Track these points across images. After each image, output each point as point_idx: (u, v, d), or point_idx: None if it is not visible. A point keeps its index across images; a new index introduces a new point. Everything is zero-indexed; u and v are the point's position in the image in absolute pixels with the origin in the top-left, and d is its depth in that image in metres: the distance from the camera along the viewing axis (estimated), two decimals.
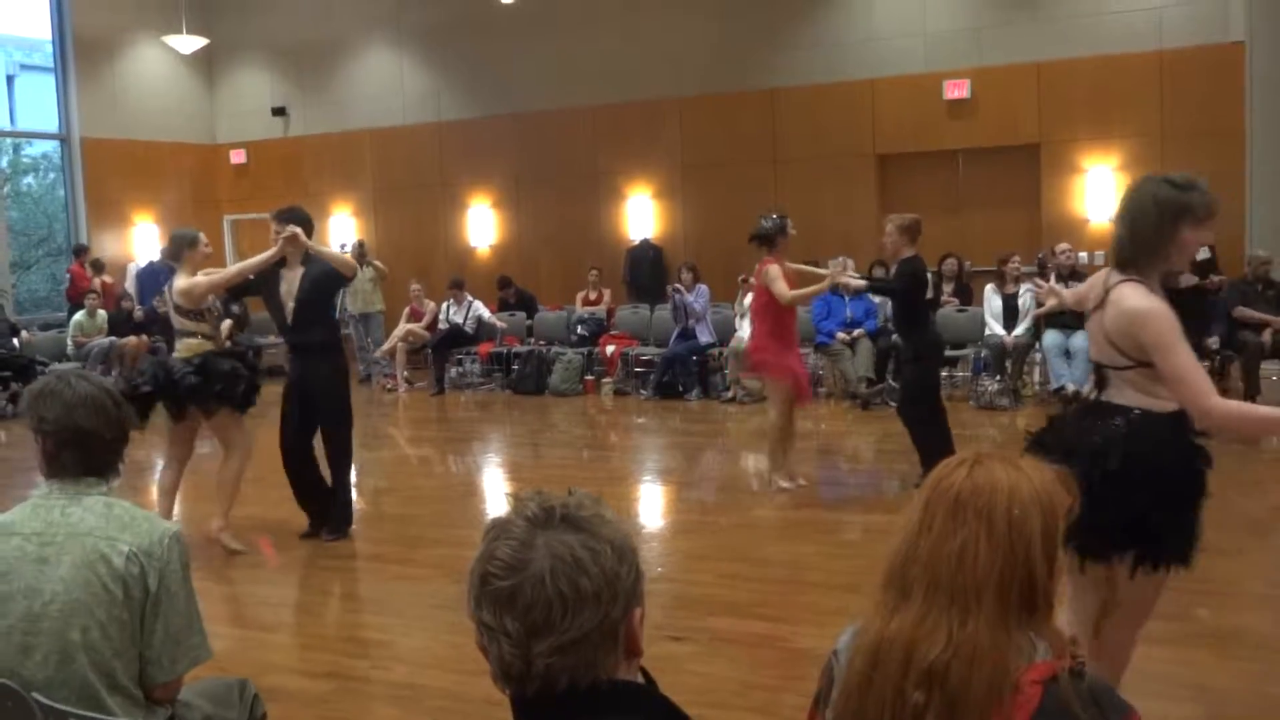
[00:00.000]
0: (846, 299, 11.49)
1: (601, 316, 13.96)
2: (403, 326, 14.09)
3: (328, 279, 6.72)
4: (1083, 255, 11.77)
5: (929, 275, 8.61)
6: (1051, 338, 10.63)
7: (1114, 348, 3.25)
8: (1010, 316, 11.16)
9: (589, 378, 13.02)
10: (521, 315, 14.36)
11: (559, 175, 15.40)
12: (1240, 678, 4.39)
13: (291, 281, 6.66)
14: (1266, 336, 9.93)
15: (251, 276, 6.79)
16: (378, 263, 14.36)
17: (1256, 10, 11.69)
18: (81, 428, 2.59)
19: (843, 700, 1.78)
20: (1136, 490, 3.11)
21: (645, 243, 14.85)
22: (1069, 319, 10.85)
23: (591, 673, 1.49)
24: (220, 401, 6.49)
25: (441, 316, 14.06)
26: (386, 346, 14.13)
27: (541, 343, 13.78)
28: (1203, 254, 8.99)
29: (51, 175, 19.46)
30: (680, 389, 12.20)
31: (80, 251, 15.71)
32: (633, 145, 14.91)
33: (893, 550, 1.80)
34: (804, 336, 9.59)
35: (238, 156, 17.76)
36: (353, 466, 7.21)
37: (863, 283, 8.04)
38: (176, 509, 6.80)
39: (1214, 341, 10.04)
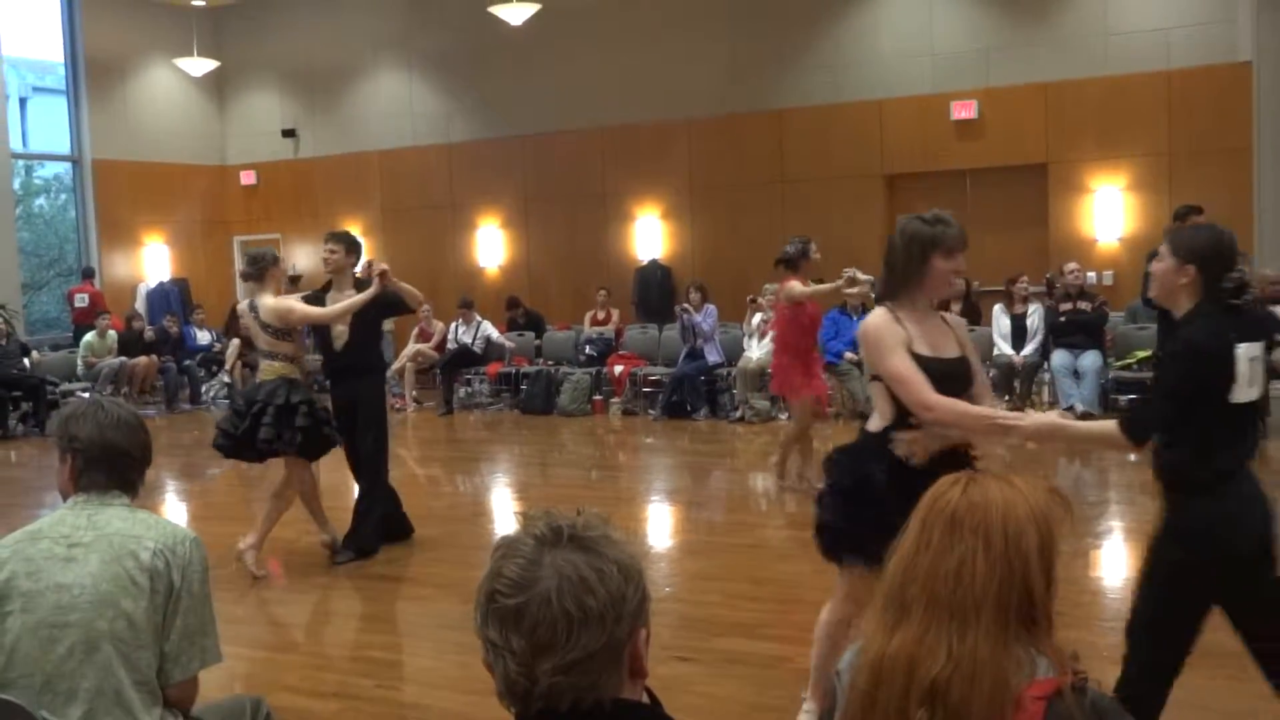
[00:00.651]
0: (854, 318, 11.49)
1: (610, 336, 13.98)
2: (411, 346, 14.12)
3: (385, 305, 6.73)
4: (1091, 275, 11.77)
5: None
6: (1060, 358, 10.62)
7: (867, 364, 3.78)
8: (1019, 336, 11.15)
9: (597, 398, 13.02)
10: (530, 335, 14.38)
11: (568, 196, 15.45)
12: (1247, 698, 4.36)
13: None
14: (1275, 356, 9.89)
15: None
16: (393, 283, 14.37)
17: (1264, 31, 11.70)
18: (113, 445, 2.72)
19: None
20: (850, 497, 3.64)
21: (654, 263, 14.88)
22: (1078, 339, 10.87)
23: (595, 692, 1.50)
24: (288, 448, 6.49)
25: (450, 336, 14.09)
26: (395, 366, 14.15)
27: (550, 363, 13.79)
28: None
29: (63, 197, 19.59)
30: (688, 409, 12.20)
31: (89, 274, 15.80)
32: (641, 166, 14.95)
33: (891, 569, 1.80)
34: None
35: (248, 178, 17.85)
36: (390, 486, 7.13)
37: (868, 280, 8.17)
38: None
39: None
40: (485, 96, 15.92)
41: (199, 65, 16.45)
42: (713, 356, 12.38)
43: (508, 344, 14.03)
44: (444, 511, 8.48)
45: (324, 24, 16.89)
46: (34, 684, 2.55)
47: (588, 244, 15.32)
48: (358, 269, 6.82)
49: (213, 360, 15.26)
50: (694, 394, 12.28)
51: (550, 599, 1.48)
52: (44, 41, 17.05)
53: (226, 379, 14.70)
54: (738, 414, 11.84)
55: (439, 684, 4.79)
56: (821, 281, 8.74)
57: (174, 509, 8.98)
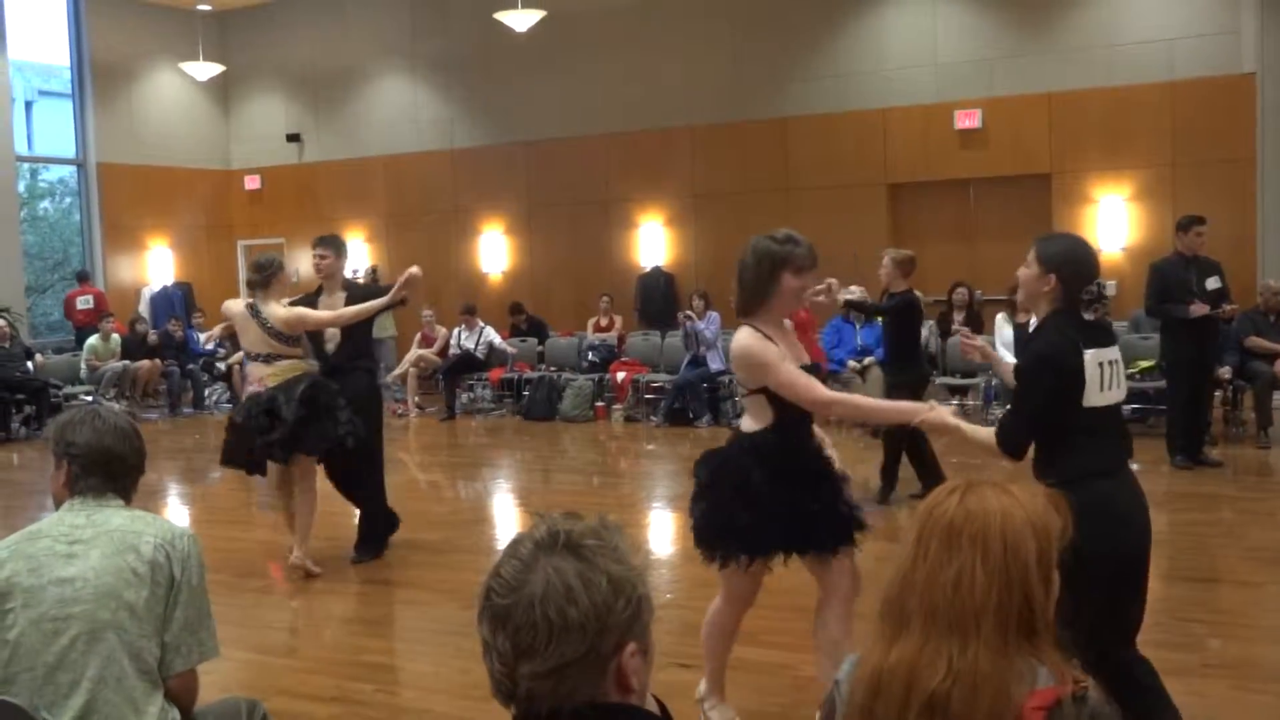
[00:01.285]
0: (858, 327, 11.51)
1: (612, 343, 13.98)
2: (414, 352, 14.12)
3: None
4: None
5: (922, 309, 8.73)
6: None
7: (739, 379, 4.00)
8: (1022, 345, 11.12)
9: (600, 404, 13.02)
10: (533, 341, 14.38)
11: (571, 202, 15.46)
12: (1254, 710, 4.35)
13: (334, 307, 6.69)
14: (1279, 367, 9.89)
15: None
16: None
17: (1268, 42, 11.71)
18: (110, 450, 2.76)
19: None
20: (729, 494, 3.85)
21: (657, 270, 14.89)
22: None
23: (573, 700, 1.49)
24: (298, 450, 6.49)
25: (453, 342, 14.09)
26: (398, 371, 14.16)
27: (552, 369, 13.79)
28: (1214, 284, 8.96)
29: (68, 200, 19.61)
30: (691, 416, 12.20)
31: (84, 277, 15.80)
32: (645, 173, 14.96)
33: (888, 581, 1.80)
34: None
35: (252, 182, 17.88)
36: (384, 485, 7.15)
37: (851, 293, 8.21)
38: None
39: (1225, 372, 9.98)
40: (489, 103, 15.94)
41: (204, 69, 16.49)
42: (715, 363, 12.37)
43: (510, 350, 14.03)
44: (445, 517, 8.48)
45: (329, 29, 16.92)
46: (36, 676, 2.58)
47: (591, 250, 15.32)
48: (355, 273, 6.83)
49: (213, 366, 15.26)
50: (696, 401, 12.27)
51: (534, 603, 1.48)
52: (50, 45, 17.11)
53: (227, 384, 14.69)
54: (739, 421, 11.83)
55: (438, 689, 4.78)
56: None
57: (176, 512, 8.98)
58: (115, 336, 14.32)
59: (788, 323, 4.08)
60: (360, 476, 6.89)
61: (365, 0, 16.73)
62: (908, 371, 7.90)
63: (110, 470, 2.77)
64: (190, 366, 14.83)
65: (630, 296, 14.78)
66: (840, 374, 11.56)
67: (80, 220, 17.08)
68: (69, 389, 13.55)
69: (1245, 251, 11.62)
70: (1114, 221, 12.60)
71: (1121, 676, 3.24)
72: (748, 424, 3.93)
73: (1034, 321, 11.51)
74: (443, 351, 14.12)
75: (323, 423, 6.41)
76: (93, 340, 14.18)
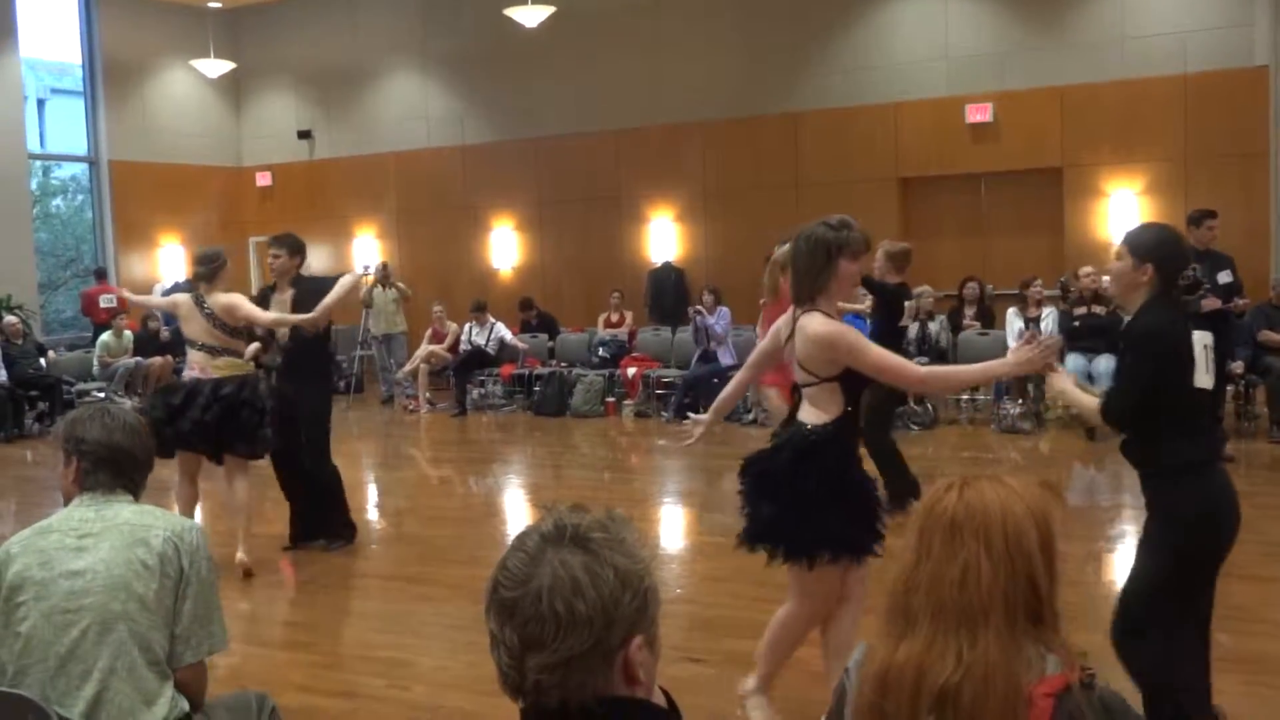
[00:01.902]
0: (866, 321, 11.45)
1: (623, 339, 13.98)
2: (425, 348, 14.14)
3: (318, 299, 6.75)
4: (1106, 279, 11.70)
5: (910, 306, 8.75)
6: (1074, 361, 10.57)
7: (803, 369, 3.84)
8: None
9: (610, 399, 13.02)
10: (543, 337, 14.39)
11: (582, 198, 15.46)
12: (1267, 705, 4.34)
13: (283, 305, 6.75)
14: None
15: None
16: (401, 284, 14.45)
17: None
18: (119, 447, 2.81)
19: None
20: (801, 493, 3.76)
21: (667, 265, 14.88)
22: (1093, 343, 10.82)
23: (582, 693, 1.49)
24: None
25: (464, 338, 14.11)
26: (408, 368, 14.17)
27: (563, 364, 13.80)
28: (1225, 277, 8.91)
29: (80, 197, 19.69)
30: (701, 411, 12.13)
31: (101, 275, 15.87)
32: (655, 169, 14.96)
33: (892, 580, 1.80)
34: None
35: (263, 179, 17.92)
36: (339, 474, 7.16)
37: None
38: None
39: (1238, 366, 9.94)
40: (500, 99, 15.95)
41: (215, 67, 16.53)
42: (726, 359, 12.36)
43: (521, 345, 14.04)
44: (456, 512, 8.50)
45: (340, 26, 16.95)
46: (48, 668, 2.61)
47: (601, 246, 15.32)
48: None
49: None
50: (707, 396, 12.21)
51: (541, 597, 1.48)
52: (62, 43, 17.16)
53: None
54: (750, 416, 11.82)
55: (449, 684, 4.79)
56: None
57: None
58: (127, 333, 14.37)
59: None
60: (307, 476, 6.95)
61: None
62: None
63: (119, 466, 2.81)
64: None
65: (641, 292, 14.77)
66: None
67: (92, 217, 17.14)
68: (81, 385, 13.61)
69: (1258, 245, 11.57)
70: (1126, 215, 12.54)
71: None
72: (812, 415, 3.84)
73: (1046, 314, 11.43)
74: (453, 347, 14.13)
75: (239, 426, 6.51)
76: (105, 337, 14.23)
